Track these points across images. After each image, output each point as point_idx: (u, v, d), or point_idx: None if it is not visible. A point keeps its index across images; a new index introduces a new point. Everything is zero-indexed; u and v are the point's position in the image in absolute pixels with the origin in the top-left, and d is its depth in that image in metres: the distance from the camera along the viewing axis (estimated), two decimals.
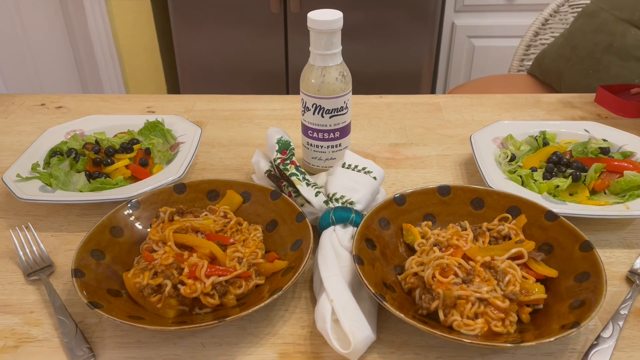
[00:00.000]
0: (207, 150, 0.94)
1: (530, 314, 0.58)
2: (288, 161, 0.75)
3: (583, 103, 1.10)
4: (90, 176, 0.81)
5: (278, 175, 0.76)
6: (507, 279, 0.58)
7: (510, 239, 0.65)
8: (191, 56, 2.06)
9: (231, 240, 0.66)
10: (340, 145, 0.82)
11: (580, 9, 1.53)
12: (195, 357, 0.57)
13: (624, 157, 0.84)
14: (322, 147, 0.81)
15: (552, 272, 0.61)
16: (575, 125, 0.93)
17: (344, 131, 0.81)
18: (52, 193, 0.76)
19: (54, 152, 0.85)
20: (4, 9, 1.88)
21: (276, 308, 0.63)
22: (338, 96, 0.77)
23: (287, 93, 2.12)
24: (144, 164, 0.84)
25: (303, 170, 0.74)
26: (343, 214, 0.67)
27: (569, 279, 0.60)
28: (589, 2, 1.45)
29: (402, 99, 1.12)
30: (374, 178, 0.72)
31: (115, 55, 2.22)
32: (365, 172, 0.73)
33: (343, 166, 0.74)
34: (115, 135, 0.91)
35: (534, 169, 0.81)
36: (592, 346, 0.56)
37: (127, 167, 0.83)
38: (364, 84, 1.82)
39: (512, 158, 0.84)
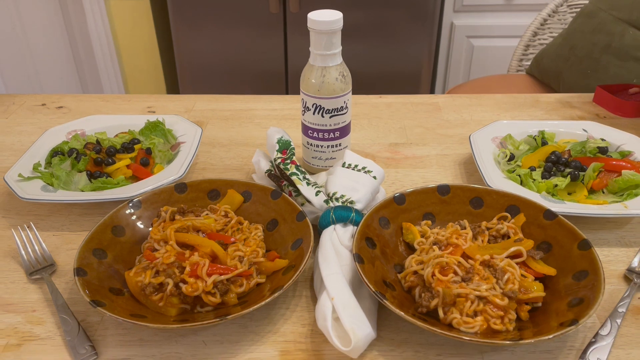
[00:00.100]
0: (207, 150, 0.95)
1: (529, 311, 0.59)
2: (288, 161, 0.75)
3: (581, 103, 1.10)
4: (91, 176, 0.81)
5: (278, 175, 0.76)
6: (506, 277, 0.59)
7: (509, 237, 0.66)
8: (190, 56, 2.06)
9: (232, 239, 0.66)
10: (340, 145, 0.82)
11: (578, 9, 1.53)
12: (196, 355, 0.57)
13: (622, 157, 0.84)
14: (322, 146, 0.82)
15: (550, 271, 0.62)
16: (573, 124, 0.93)
17: (344, 131, 0.82)
18: (54, 193, 0.76)
19: (55, 152, 0.85)
20: (4, 9, 1.89)
21: (277, 306, 0.63)
22: (338, 96, 0.77)
23: (287, 93, 2.12)
24: (145, 164, 0.84)
25: (303, 170, 0.75)
26: (343, 213, 0.68)
27: (567, 277, 0.61)
28: (587, 2, 1.45)
29: (402, 98, 1.12)
30: (374, 177, 0.73)
31: (115, 55, 2.22)
32: (365, 172, 0.73)
33: (343, 166, 0.74)
34: (116, 135, 0.91)
35: (532, 169, 0.81)
36: (591, 343, 0.56)
37: (128, 166, 0.83)
38: (363, 84, 1.82)
39: (511, 157, 0.85)
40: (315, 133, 0.81)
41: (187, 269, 0.60)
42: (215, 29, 1.99)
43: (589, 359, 0.55)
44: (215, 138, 0.98)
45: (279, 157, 0.76)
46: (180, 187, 0.74)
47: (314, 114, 0.79)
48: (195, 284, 0.59)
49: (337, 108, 0.78)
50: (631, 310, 0.62)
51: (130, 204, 0.71)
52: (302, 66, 0.79)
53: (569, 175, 0.78)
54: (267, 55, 2.03)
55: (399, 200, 0.70)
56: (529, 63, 1.70)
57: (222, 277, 0.60)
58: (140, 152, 0.86)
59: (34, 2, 2.00)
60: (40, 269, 0.68)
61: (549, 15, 1.67)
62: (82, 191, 0.79)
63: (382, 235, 0.67)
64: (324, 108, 0.78)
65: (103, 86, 2.26)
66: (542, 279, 0.62)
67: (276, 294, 0.57)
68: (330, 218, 0.68)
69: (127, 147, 0.86)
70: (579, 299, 0.57)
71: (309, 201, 0.71)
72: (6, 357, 0.57)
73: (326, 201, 0.70)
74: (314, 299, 0.64)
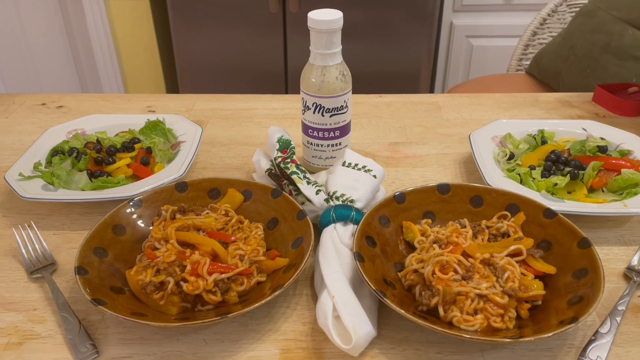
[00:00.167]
0: (207, 149, 0.95)
1: (529, 309, 0.59)
2: (289, 160, 0.76)
3: (581, 102, 1.10)
4: (92, 175, 0.81)
5: (279, 174, 0.76)
6: (506, 275, 0.59)
7: (509, 236, 0.66)
8: (190, 56, 2.06)
9: (233, 238, 0.66)
10: (340, 144, 0.83)
11: (578, 9, 1.53)
12: (197, 354, 0.57)
13: (622, 156, 0.84)
14: (322, 145, 0.82)
15: (550, 269, 0.62)
16: (573, 124, 0.93)
17: (344, 130, 0.82)
18: (54, 192, 0.76)
19: (56, 151, 0.85)
20: (4, 9, 1.89)
21: (277, 305, 0.63)
22: (338, 95, 0.78)
23: (286, 92, 2.12)
24: (145, 163, 0.84)
25: (303, 169, 0.75)
26: (343, 212, 0.68)
27: (567, 276, 0.61)
28: (586, 1, 1.45)
29: (402, 98, 1.12)
30: (374, 176, 0.73)
31: (115, 55, 2.22)
32: (365, 171, 0.73)
33: (343, 165, 0.74)
34: (117, 135, 0.92)
35: (532, 167, 0.82)
36: (590, 341, 0.57)
37: (128, 166, 0.83)
38: (363, 84, 1.82)
39: (511, 156, 0.85)
40: (315, 132, 0.81)
41: (188, 267, 0.60)
42: (215, 28, 1.99)
43: (588, 357, 0.55)
44: (215, 137, 0.98)
45: (279, 156, 0.76)
46: (180, 186, 0.74)
47: (314, 113, 0.79)
48: (196, 282, 0.59)
49: (337, 107, 0.79)
50: (631, 309, 0.62)
51: (131, 203, 0.71)
52: (301, 66, 0.79)
53: (568, 174, 0.78)
54: (267, 55, 2.03)
55: (399, 199, 0.71)
56: (528, 63, 1.70)
57: (223, 275, 0.60)
58: (141, 151, 0.86)
59: (33, 2, 2.00)
60: (41, 268, 0.68)
61: (549, 15, 1.67)
62: (83, 190, 0.79)
63: (383, 233, 0.68)
64: (324, 107, 0.78)
65: (103, 86, 2.26)
66: (542, 277, 0.62)
67: (277, 293, 0.57)
68: (330, 217, 0.68)
69: (128, 147, 0.86)
70: (578, 297, 0.57)
71: (309, 200, 0.71)
72: (7, 356, 0.57)
73: (326, 200, 0.70)
74: (315, 298, 0.64)
